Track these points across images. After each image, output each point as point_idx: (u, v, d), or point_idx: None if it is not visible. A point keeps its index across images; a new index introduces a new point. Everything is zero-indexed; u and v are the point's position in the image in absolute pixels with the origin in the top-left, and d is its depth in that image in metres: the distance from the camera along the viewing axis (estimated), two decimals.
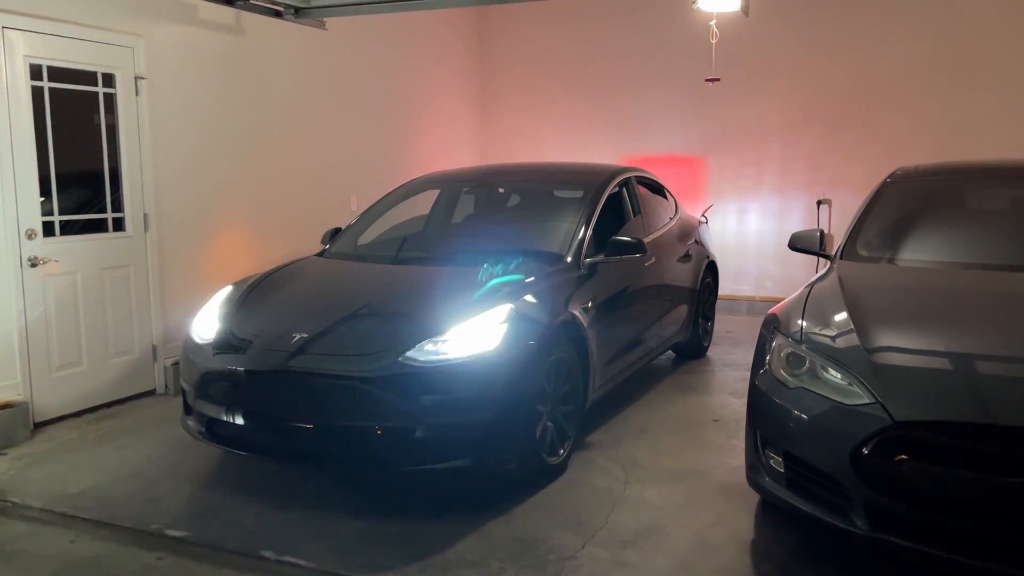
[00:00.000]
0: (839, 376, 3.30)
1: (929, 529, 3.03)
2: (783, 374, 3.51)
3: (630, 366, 5.54)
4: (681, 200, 7.33)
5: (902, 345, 3.38)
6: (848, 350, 3.38)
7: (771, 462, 3.51)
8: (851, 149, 8.53)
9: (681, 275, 6.51)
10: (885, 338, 3.40)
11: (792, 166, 8.84)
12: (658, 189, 6.77)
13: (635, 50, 9.39)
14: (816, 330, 3.59)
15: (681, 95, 9.14)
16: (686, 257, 6.60)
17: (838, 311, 3.67)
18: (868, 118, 8.45)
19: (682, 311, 6.53)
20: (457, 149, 9.57)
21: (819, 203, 8.68)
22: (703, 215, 7.62)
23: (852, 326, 3.50)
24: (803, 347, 3.52)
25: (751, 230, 9.07)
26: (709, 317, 7.30)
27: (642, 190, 6.34)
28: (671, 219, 6.66)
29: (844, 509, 3.20)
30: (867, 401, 3.14)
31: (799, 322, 3.68)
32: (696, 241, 6.95)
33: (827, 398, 3.28)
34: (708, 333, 7.28)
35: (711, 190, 9.15)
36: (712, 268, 7.24)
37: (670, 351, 6.81)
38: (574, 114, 9.76)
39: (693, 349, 6.96)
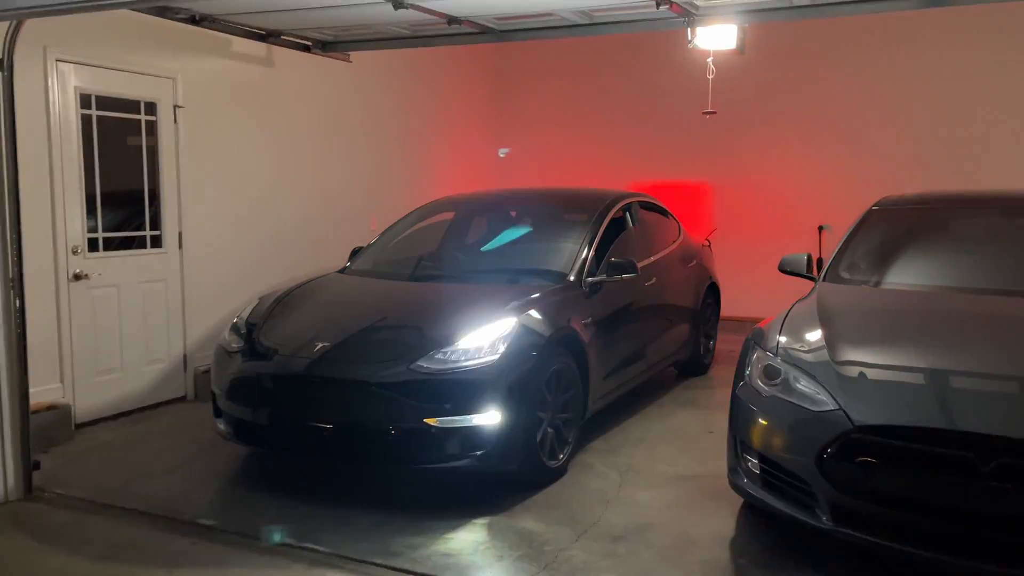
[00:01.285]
0: (809, 386, 3.64)
1: (885, 524, 3.35)
2: (760, 384, 3.85)
3: (631, 380, 5.87)
4: (688, 224, 7.68)
5: (866, 358, 3.71)
6: (818, 362, 3.72)
7: (748, 465, 3.84)
8: (853, 176, 8.85)
9: (682, 295, 6.85)
10: (851, 352, 3.74)
11: (795, 192, 9.18)
12: (661, 214, 7.13)
13: (643, 83, 9.79)
14: (791, 345, 3.93)
15: (688, 125, 9.51)
16: (688, 278, 6.94)
17: (812, 328, 4.01)
18: (870, 145, 8.80)
19: (683, 330, 6.86)
20: (475, 173, 9.98)
21: (821, 228, 8.99)
22: (706, 239, 7.95)
23: (823, 341, 3.84)
24: (779, 360, 3.86)
25: (756, 253, 9.37)
26: (711, 336, 7.62)
27: (645, 214, 6.70)
28: (674, 242, 7.00)
29: (811, 506, 3.52)
30: (831, 408, 3.48)
31: (777, 337, 4.02)
32: (698, 263, 7.30)
33: (797, 405, 3.62)
34: (710, 351, 7.59)
35: (717, 215, 9.50)
36: (714, 289, 7.57)
37: (672, 368, 7.12)
38: (586, 142, 10.16)
39: (695, 366, 7.27)
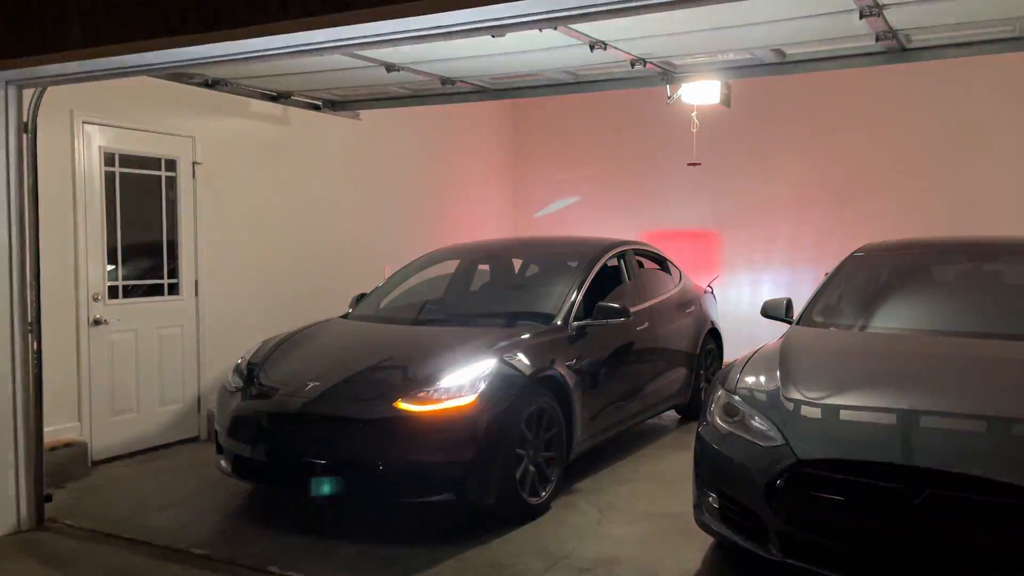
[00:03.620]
0: (762, 423, 3.81)
1: (831, 556, 3.48)
2: (719, 422, 4.02)
3: (621, 422, 6.03)
4: (696, 271, 7.84)
5: (814, 396, 3.87)
6: (770, 401, 3.90)
7: (709, 500, 3.99)
8: (857, 224, 8.94)
9: (680, 340, 7.01)
10: (802, 391, 3.90)
11: (801, 240, 9.32)
12: (660, 261, 7.34)
13: (650, 136, 10.05)
14: (749, 384, 4.11)
15: (694, 175, 9.71)
16: (686, 323, 7.11)
17: (771, 368, 4.18)
18: (873, 194, 8.92)
19: (680, 373, 7.01)
20: (488, 222, 10.28)
21: (826, 275, 9.08)
22: (708, 286, 8.12)
23: (778, 381, 4.01)
24: (736, 398, 4.04)
25: (763, 300, 9.48)
26: (712, 380, 7.74)
27: (643, 261, 6.92)
28: (672, 288, 7.19)
29: (762, 538, 3.67)
30: (779, 443, 3.64)
31: (738, 377, 4.20)
32: (699, 309, 7.46)
33: (751, 442, 3.78)
34: None
35: (725, 263, 9.67)
36: (715, 334, 7.71)
37: (674, 411, 7.25)
38: (598, 192, 10.43)
39: (695, 410, 7.37)
